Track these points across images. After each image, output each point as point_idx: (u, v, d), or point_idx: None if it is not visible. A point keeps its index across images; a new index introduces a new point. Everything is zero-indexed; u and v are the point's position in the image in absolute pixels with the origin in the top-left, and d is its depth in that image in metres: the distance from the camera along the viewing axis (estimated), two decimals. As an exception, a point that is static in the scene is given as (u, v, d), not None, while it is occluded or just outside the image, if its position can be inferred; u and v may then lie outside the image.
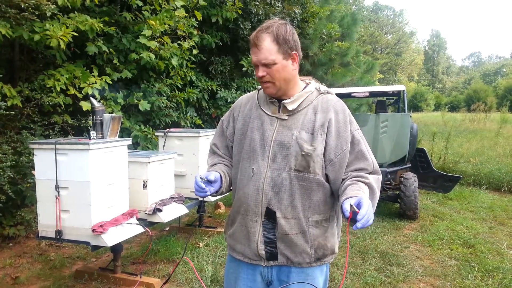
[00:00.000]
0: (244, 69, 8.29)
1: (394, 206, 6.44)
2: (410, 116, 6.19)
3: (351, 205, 1.40)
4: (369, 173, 1.63)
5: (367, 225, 1.38)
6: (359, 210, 1.38)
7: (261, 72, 1.62)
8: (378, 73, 24.72)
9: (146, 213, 3.84)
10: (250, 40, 1.65)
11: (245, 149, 1.73)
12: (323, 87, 1.76)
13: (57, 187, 3.22)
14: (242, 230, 1.73)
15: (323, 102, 1.68)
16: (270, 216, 1.65)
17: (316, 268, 1.71)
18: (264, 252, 1.67)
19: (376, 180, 1.63)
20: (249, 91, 8.87)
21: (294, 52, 1.63)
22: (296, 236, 1.64)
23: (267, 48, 1.58)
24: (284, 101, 1.68)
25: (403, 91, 6.74)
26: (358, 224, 1.37)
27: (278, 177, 1.63)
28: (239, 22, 8.08)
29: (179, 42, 6.13)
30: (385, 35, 54.21)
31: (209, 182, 1.67)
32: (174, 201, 4.15)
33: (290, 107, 1.67)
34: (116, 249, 3.62)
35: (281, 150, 1.64)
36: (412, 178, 5.74)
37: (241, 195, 1.72)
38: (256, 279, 1.74)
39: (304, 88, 1.73)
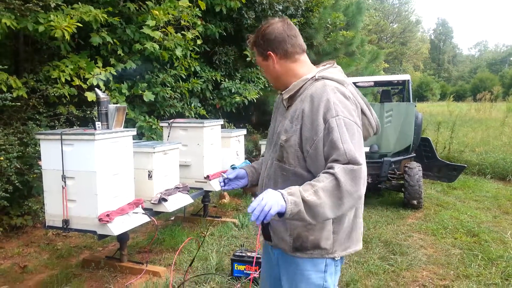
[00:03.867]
0: (248, 59, 8.24)
1: (398, 195, 6.45)
2: (415, 106, 6.17)
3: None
4: (343, 164, 1.48)
5: (266, 217, 1.38)
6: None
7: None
8: (384, 62, 24.53)
9: (151, 203, 3.88)
10: None
11: (267, 138, 1.90)
12: (324, 73, 1.69)
13: (64, 177, 3.26)
14: None
15: (308, 90, 1.65)
16: None
17: (307, 260, 1.68)
18: (262, 232, 1.81)
19: (346, 171, 1.46)
20: (253, 82, 8.88)
21: (268, 52, 1.69)
22: (278, 222, 1.67)
23: (255, 53, 1.77)
24: (283, 91, 1.74)
25: (408, 80, 6.72)
26: (252, 217, 1.39)
27: (271, 165, 1.74)
28: (243, 12, 8.03)
29: (183, 32, 6.11)
30: (391, 24, 53.73)
31: (229, 179, 1.92)
32: (179, 191, 4.18)
33: (284, 96, 1.72)
34: (122, 238, 3.67)
35: (277, 140, 1.71)
36: (416, 168, 5.74)
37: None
38: (268, 252, 1.89)
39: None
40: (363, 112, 1.70)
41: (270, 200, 1.39)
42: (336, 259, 1.70)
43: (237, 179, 1.93)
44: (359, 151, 1.52)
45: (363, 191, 1.50)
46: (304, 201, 1.41)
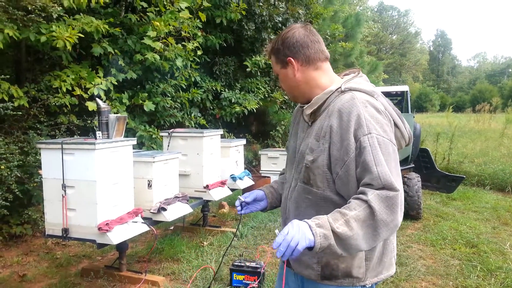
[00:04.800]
0: (248, 69, 8.33)
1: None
2: (413, 117, 6.21)
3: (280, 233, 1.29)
4: (377, 189, 1.33)
5: (293, 253, 1.25)
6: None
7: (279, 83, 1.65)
8: (383, 73, 24.68)
9: (151, 212, 3.89)
10: None
11: (287, 156, 1.74)
12: (350, 84, 1.52)
13: (64, 186, 3.28)
14: None
15: (335, 104, 1.48)
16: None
17: None
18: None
19: (381, 198, 1.31)
20: (253, 92, 8.94)
21: (288, 58, 1.53)
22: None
23: (272, 62, 1.62)
24: (304, 106, 1.58)
25: (407, 91, 6.76)
26: (277, 253, 1.26)
27: (294, 187, 1.58)
28: (243, 23, 8.12)
29: (183, 43, 6.18)
30: (390, 36, 54.08)
31: (246, 203, 1.77)
32: (178, 201, 4.19)
33: (307, 112, 1.55)
34: (121, 247, 3.68)
35: (301, 160, 1.55)
36: (415, 178, 5.75)
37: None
38: (288, 277, 1.73)
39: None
40: (395, 124, 1.53)
41: (297, 234, 1.25)
42: (367, 286, 1.53)
43: (256, 201, 1.78)
44: (395, 174, 1.36)
45: (400, 220, 1.35)
46: (334, 233, 1.28)
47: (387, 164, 1.35)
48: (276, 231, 1.30)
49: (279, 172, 6.36)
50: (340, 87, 1.50)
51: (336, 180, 1.44)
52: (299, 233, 1.26)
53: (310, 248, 1.28)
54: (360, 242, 1.31)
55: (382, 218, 1.31)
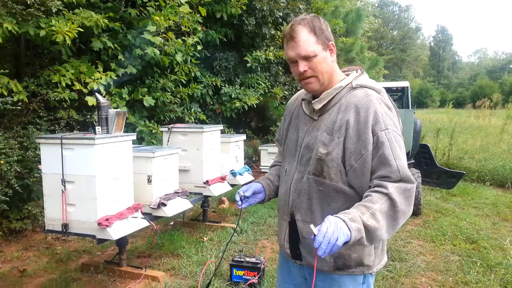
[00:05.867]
0: (248, 65, 8.30)
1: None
2: (414, 112, 6.19)
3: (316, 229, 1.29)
4: (394, 182, 1.41)
5: (332, 249, 1.25)
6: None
7: (302, 67, 1.50)
8: (383, 68, 24.63)
9: (150, 208, 3.89)
10: (285, 35, 1.53)
11: (285, 148, 1.74)
12: (360, 81, 1.57)
13: (63, 181, 3.27)
14: (279, 225, 1.76)
15: (348, 99, 1.52)
16: (293, 218, 1.63)
17: (345, 277, 1.57)
18: (289, 251, 1.68)
19: (400, 190, 1.40)
20: (253, 87, 8.92)
21: (331, 42, 1.53)
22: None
23: (305, 39, 1.48)
24: (312, 101, 1.59)
25: (407, 87, 6.74)
26: (319, 251, 1.26)
27: (300, 179, 1.60)
28: (244, 18, 8.09)
29: (183, 38, 6.15)
30: (391, 31, 53.95)
31: (246, 197, 1.76)
32: (178, 196, 4.19)
33: (316, 107, 1.57)
34: (121, 242, 3.67)
35: (306, 152, 1.59)
36: (415, 174, 5.74)
37: (278, 193, 1.78)
38: (291, 271, 1.76)
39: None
40: None
41: (336, 231, 1.27)
42: (374, 273, 1.62)
43: (254, 194, 1.80)
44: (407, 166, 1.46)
45: (412, 209, 1.45)
46: (364, 226, 1.32)
47: (403, 158, 1.44)
48: (312, 226, 1.30)
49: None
50: (351, 84, 1.55)
51: (349, 172, 1.49)
52: (338, 229, 1.28)
53: (345, 242, 1.31)
54: (383, 232, 1.38)
55: (402, 209, 1.39)
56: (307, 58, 1.49)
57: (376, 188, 1.41)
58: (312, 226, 1.30)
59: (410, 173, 1.43)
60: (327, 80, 1.54)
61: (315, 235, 1.27)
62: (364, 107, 1.47)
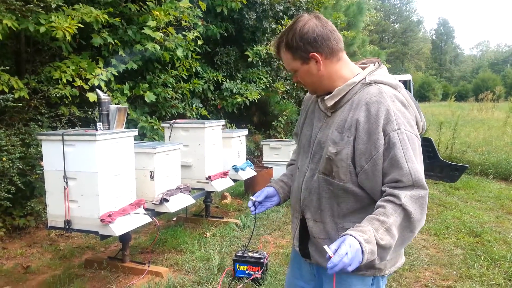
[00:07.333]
0: (249, 59, 8.27)
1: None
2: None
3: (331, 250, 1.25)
4: (406, 187, 1.36)
5: (341, 270, 1.22)
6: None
7: (295, 78, 1.57)
8: (385, 62, 24.57)
9: (153, 203, 3.88)
10: None
11: (299, 144, 1.71)
12: (375, 76, 1.50)
13: (65, 178, 3.26)
14: (292, 221, 1.75)
15: (361, 96, 1.45)
16: (303, 216, 1.61)
17: (354, 277, 1.52)
18: (298, 249, 1.67)
19: (413, 200, 1.34)
20: (255, 82, 8.88)
21: (311, 53, 1.46)
22: (324, 241, 1.51)
23: (283, 57, 1.53)
24: (325, 97, 1.53)
25: (409, 80, 6.73)
26: (329, 270, 1.22)
27: (311, 178, 1.56)
28: (244, 12, 8.04)
29: (184, 33, 6.12)
30: (392, 24, 53.71)
31: (259, 202, 1.74)
32: (180, 192, 4.18)
33: (329, 103, 1.52)
34: (124, 238, 3.68)
35: (318, 150, 1.54)
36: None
37: (291, 189, 1.75)
38: (301, 267, 1.75)
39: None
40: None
41: (354, 258, 1.23)
42: (385, 276, 1.57)
43: (267, 198, 1.76)
44: (421, 169, 1.40)
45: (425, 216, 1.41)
46: (379, 245, 1.29)
47: (416, 160, 1.38)
48: (326, 247, 1.25)
49: (281, 163, 6.32)
50: (365, 79, 1.48)
51: (360, 173, 1.43)
52: (355, 256, 1.24)
53: None
54: (398, 245, 1.36)
55: (417, 219, 1.35)
56: (294, 72, 1.54)
57: (388, 198, 1.36)
58: (326, 247, 1.25)
59: (423, 177, 1.37)
60: (325, 84, 1.52)
61: (330, 256, 1.23)
62: (375, 105, 1.40)
